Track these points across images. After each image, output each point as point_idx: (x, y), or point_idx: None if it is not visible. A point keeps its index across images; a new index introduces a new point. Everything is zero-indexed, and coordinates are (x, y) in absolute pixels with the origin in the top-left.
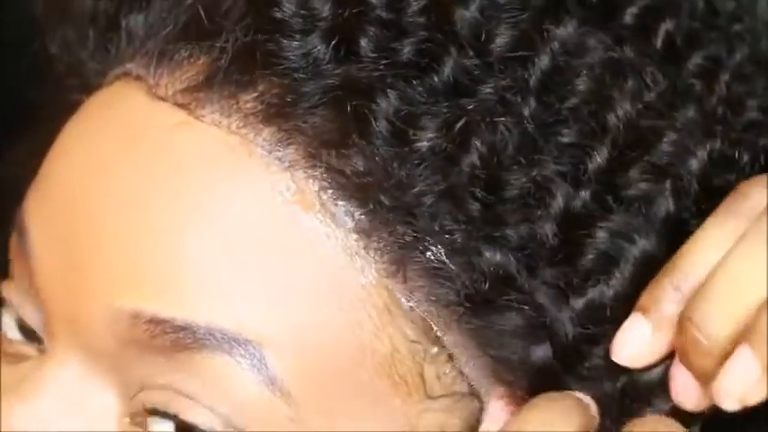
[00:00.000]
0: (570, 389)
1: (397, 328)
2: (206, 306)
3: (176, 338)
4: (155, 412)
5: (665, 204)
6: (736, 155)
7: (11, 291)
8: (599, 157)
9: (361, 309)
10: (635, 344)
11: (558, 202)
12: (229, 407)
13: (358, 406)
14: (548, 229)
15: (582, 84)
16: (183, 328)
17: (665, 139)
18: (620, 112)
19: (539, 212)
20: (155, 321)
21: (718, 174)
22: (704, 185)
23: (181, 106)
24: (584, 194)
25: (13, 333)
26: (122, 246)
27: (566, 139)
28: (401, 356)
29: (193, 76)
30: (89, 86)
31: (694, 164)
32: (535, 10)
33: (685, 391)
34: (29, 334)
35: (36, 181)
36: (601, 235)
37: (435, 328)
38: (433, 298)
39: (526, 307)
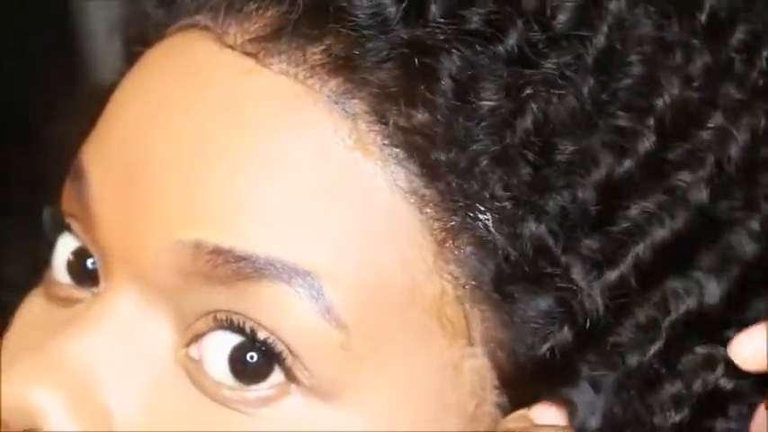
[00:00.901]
0: (586, 366)
1: (448, 272)
2: (266, 239)
3: (237, 268)
4: (221, 325)
5: (699, 192)
6: None
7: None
8: (646, 141)
9: (416, 249)
10: (751, 349)
11: (602, 171)
12: (287, 333)
13: (407, 341)
14: (588, 195)
15: (635, 67)
16: (244, 258)
17: (708, 124)
18: (667, 98)
19: (584, 179)
20: (216, 252)
21: (759, 147)
22: (744, 164)
23: (249, 55)
24: (628, 164)
25: (63, 276)
26: (184, 181)
27: (618, 122)
28: (449, 299)
29: (262, 27)
30: (149, 39)
31: (734, 149)
32: None
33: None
34: (79, 278)
35: (96, 127)
36: (634, 211)
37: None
38: (468, 275)
39: (560, 282)
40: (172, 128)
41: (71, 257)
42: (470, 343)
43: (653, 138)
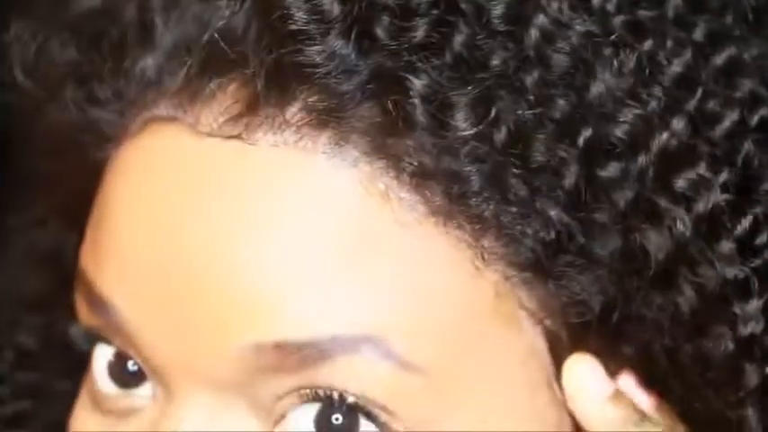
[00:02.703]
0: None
1: (493, 270)
2: (319, 318)
3: (303, 356)
4: (305, 400)
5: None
6: None
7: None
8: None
9: (457, 265)
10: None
11: (570, 180)
12: (372, 394)
13: (481, 354)
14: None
15: (564, 58)
16: (307, 345)
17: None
18: (597, 89)
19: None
20: (278, 347)
21: None
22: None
23: (232, 137)
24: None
25: (107, 385)
26: (224, 284)
27: (557, 114)
28: (501, 297)
29: (232, 106)
30: (107, 139)
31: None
32: None
33: None
34: (123, 381)
35: (98, 246)
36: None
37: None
38: (508, 264)
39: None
40: (190, 237)
41: (112, 360)
42: (536, 323)
43: (589, 132)
